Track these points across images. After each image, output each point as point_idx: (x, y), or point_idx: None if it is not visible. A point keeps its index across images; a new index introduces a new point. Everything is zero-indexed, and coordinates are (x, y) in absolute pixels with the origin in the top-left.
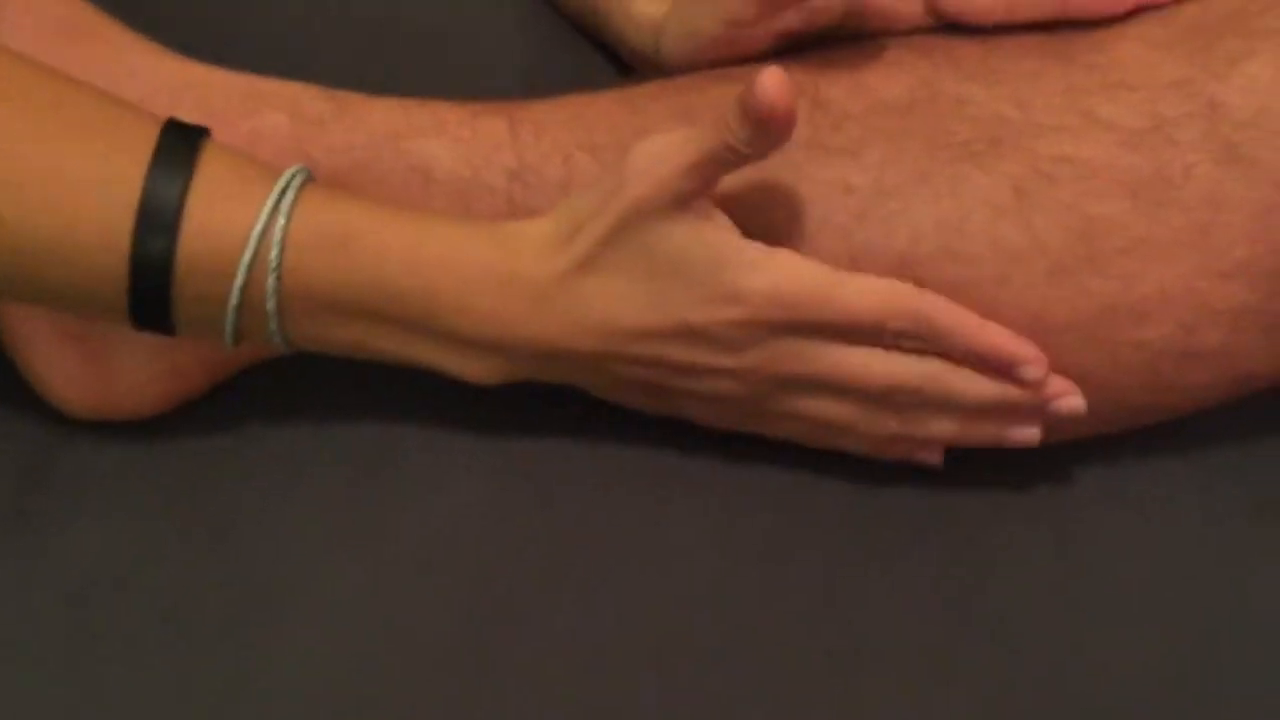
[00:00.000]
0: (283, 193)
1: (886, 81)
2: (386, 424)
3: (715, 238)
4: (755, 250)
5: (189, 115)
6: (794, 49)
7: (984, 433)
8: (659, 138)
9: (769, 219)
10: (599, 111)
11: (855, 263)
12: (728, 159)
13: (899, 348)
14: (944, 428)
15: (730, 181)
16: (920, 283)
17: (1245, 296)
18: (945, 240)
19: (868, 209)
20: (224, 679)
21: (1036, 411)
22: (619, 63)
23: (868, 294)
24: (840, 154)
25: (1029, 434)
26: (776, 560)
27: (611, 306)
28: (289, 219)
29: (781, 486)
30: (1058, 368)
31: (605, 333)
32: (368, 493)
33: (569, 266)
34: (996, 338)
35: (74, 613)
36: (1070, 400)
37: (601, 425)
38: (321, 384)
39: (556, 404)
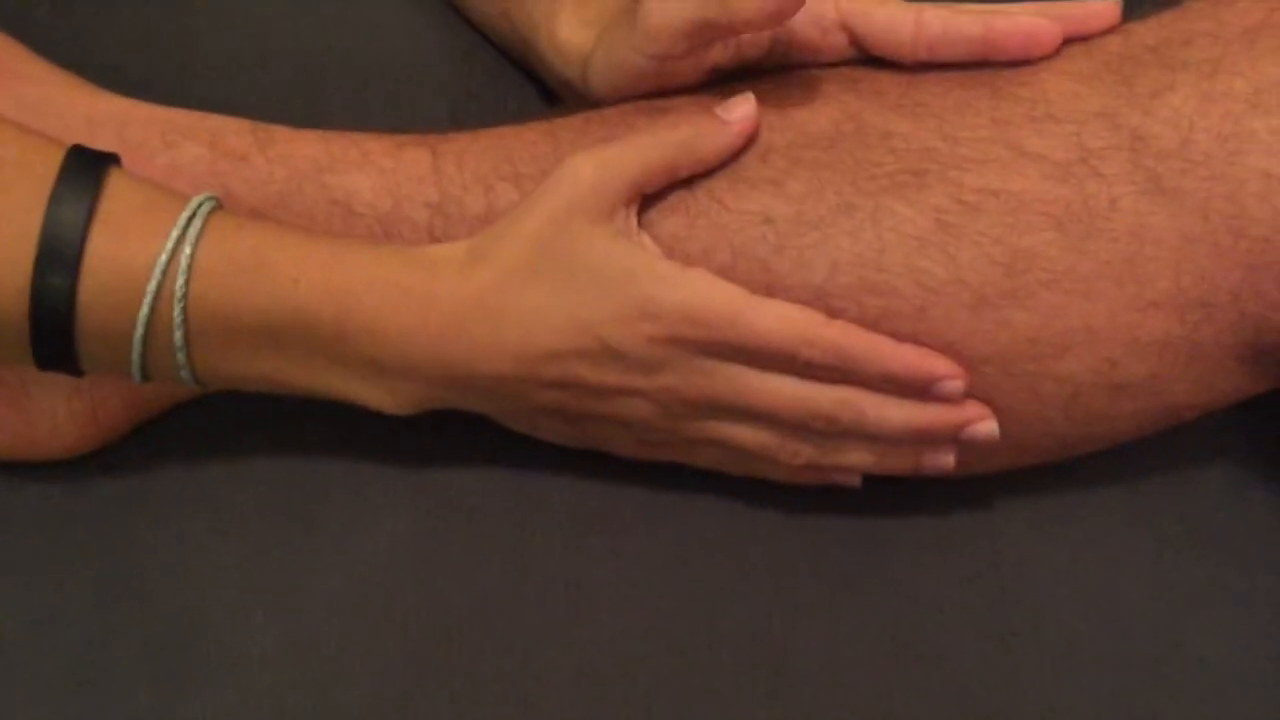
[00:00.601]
0: (190, 219)
1: (811, 114)
2: (308, 466)
3: (633, 252)
4: (670, 267)
5: (106, 148)
6: (720, 81)
7: (899, 460)
8: (593, 150)
9: (687, 248)
10: (523, 143)
11: (772, 293)
12: (663, 171)
13: (813, 376)
14: (859, 456)
15: (650, 209)
16: (837, 315)
17: (1171, 327)
18: (863, 272)
19: (786, 241)
20: None
21: (951, 437)
22: (548, 93)
23: (780, 319)
24: (763, 185)
25: (944, 460)
26: (705, 608)
27: (528, 325)
28: (195, 246)
29: (715, 524)
30: (980, 400)
31: (521, 354)
32: (289, 538)
33: (487, 282)
34: (911, 356)
35: None
36: (984, 425)
37: (531, 461)
38: (243, 425)
39: (482, 440)
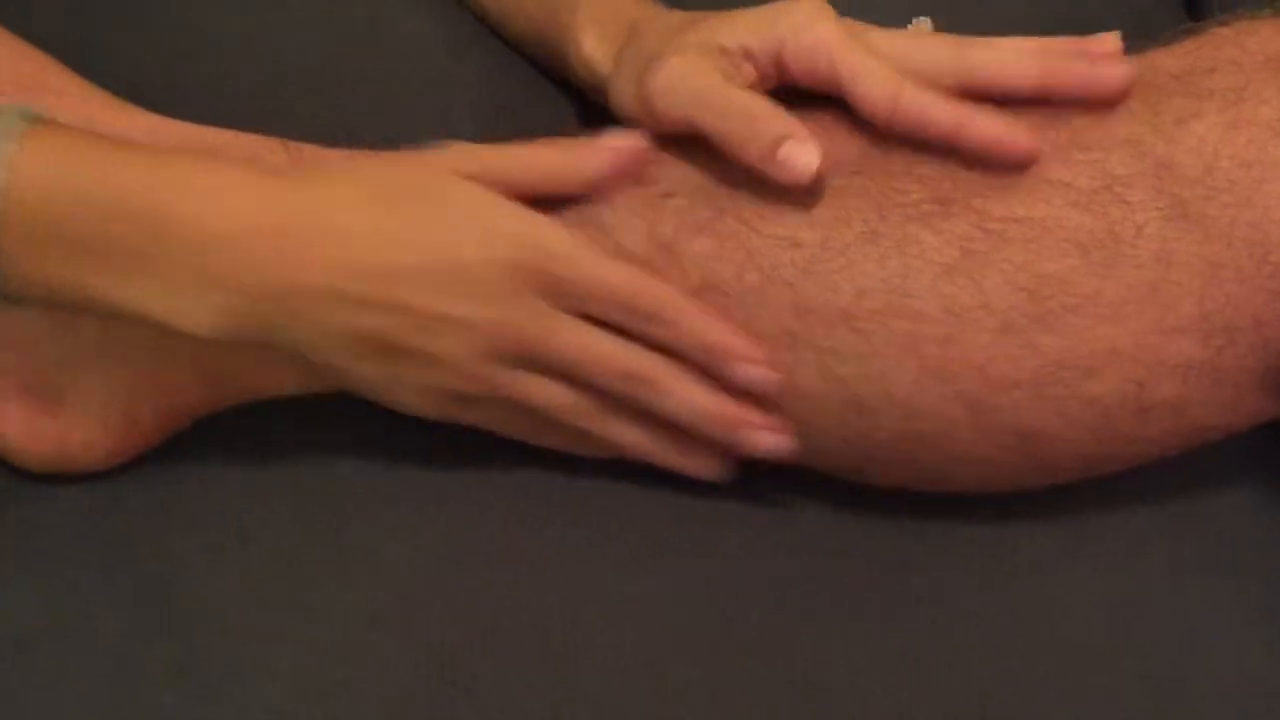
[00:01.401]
0: (12, 118)
1: (838, 142)
2: (336, 477)
3: (486, 192)
4: (520, 206)
5: None
6: None
7: (669, 450)
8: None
9: (717, 268)
10: None
11: (800, 315)
12: (529, 184)
13: (633, 336)
14: (632, 434)
15: (682, 229)
16: (865, 338)
17: (1195, 351)
18: (890, 298)
19: (813, 265)
20: None
21: (732, 435)
22: (584, 109)
23: (619, 267)
24: (790, 211)
25: (709, 466)
26: (729, 622)
27: (371, 239)
28: (18, 142)
29: (741, 538)
30: (1009, 424)
31: (356, 268)
32: (316, 548)
33: (336, 196)
34: (726, 328)
35: (17, 661)
36: (767, 437)
37: (559, 474)
38: (272, 436)
39: (509, 452)
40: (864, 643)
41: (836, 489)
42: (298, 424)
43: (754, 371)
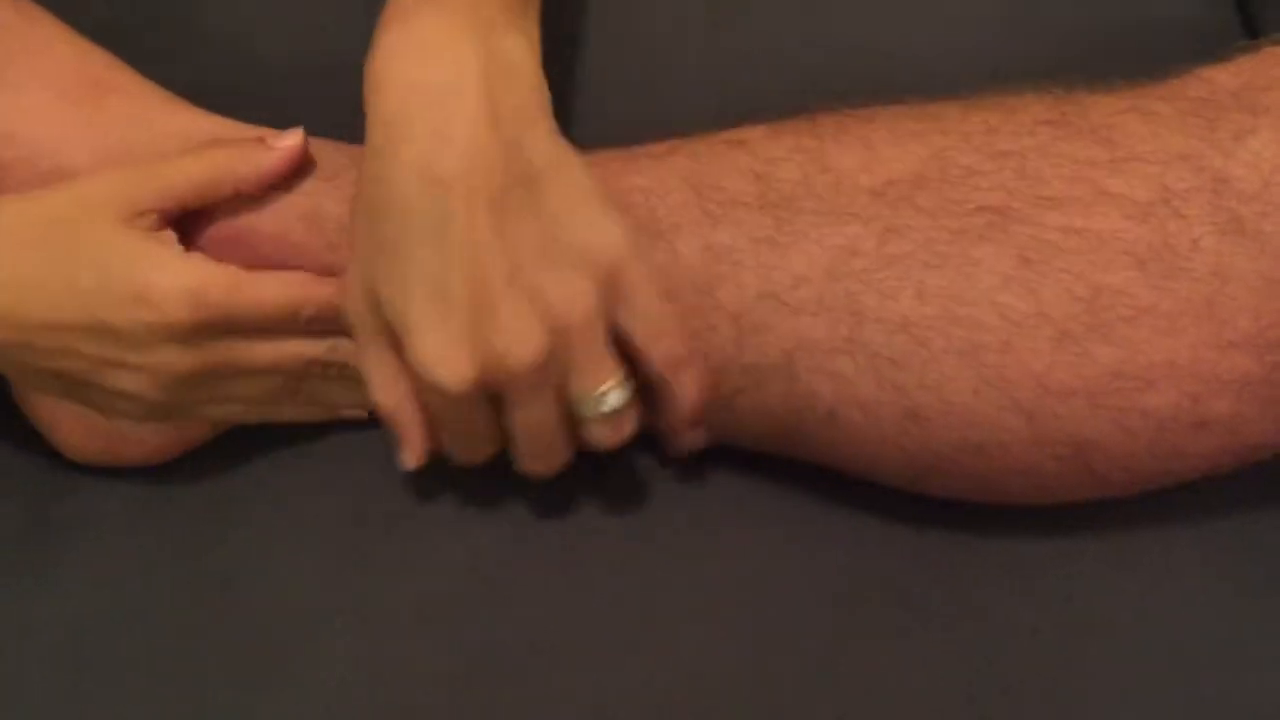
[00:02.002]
0: None
1: (898, 150)
2: (389, 478)
3: (140, 241)
4: (174, 254)
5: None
6: (798, 112)
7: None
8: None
9: (776, 276)
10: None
11: (858, 322)
12: (202, 186)
13: (309, 332)
14: (347, 392)
15: (743, 239)
16: (924, 345)
17: (1250, 367)
18: (947, 305)
19: (872, 273)
20: None
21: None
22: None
23: (279, 283)
24: (850, 220)
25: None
26: (776, 632)
27: (25, 292)
28: None
29: (787, 549)
30: (1065, 434)
31: (18, 321)
32: (368, 547)
33: None
34: None
35: (73, 652)
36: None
37: (603, 487)
38: (326, 435)
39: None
40: (916, 654)
41: (893, 499)
42: (351, 424)
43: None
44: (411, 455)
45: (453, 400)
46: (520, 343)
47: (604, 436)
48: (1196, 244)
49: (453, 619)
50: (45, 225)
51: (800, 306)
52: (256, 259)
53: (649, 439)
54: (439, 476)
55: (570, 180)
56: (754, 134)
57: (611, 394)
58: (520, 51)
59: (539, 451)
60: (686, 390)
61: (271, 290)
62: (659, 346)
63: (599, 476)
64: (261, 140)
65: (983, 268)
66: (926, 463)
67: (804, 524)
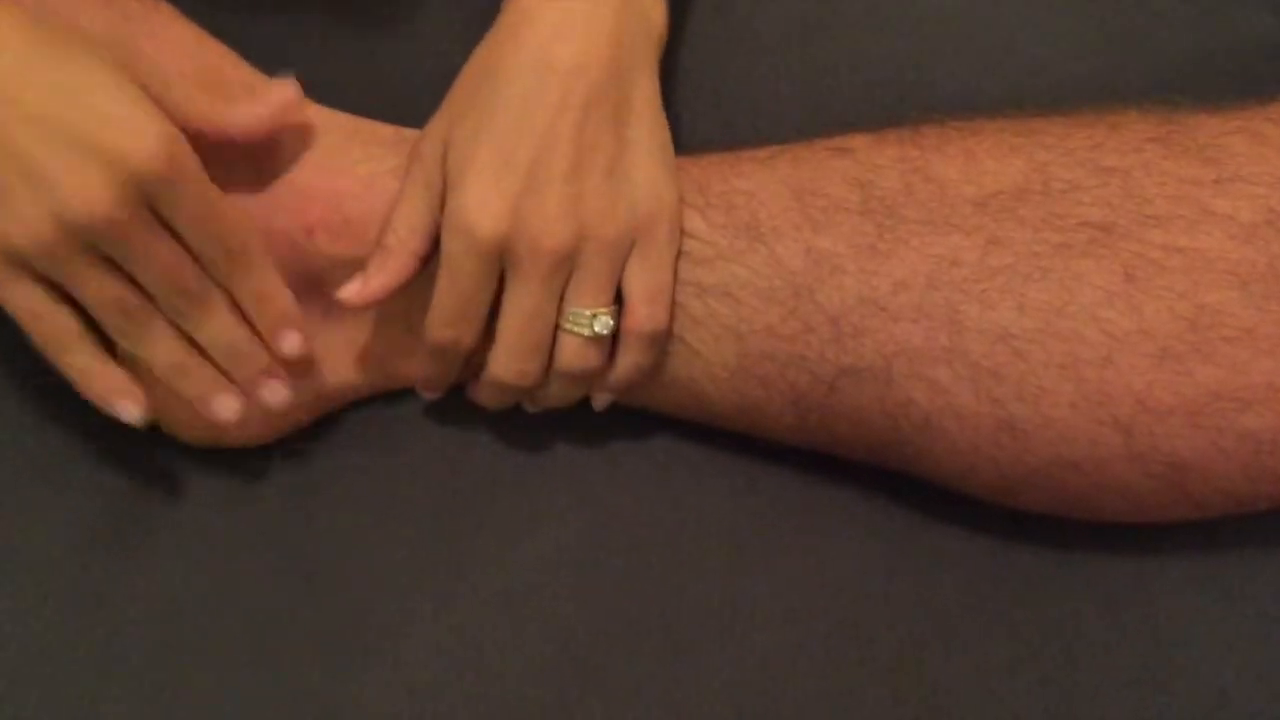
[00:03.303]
0: None
1: (1000, 163)
2: (478, 471)
3: (133, 84)
4: (156, 108)
5: (313, 154)
6: (894, 123)
7: (198, 380)
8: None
9: (876, 281)
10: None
11: (958, 332)
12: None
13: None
14: (165, 350)
15: (842, 242)
16: (1024, 358)
17: None
18: (1049, 318)
19: (973, 284)
20: (305, 705)
21: (247, 379)
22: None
23: (228, 206)
24: (952, 231)
25: (228, 407)
26: (858, 633)
27: (13, 64)
28: None
29: (866, 559)
30: (1161, 453)
31: None
32: (456, 538)
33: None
34: (286, 299)
35: (166, 631)
36: (276, 388)
37: (693, 480)
38: (419, 426)
39: (645, 456)
40: (992, 661)
41: (977, 511)
42: (444, 414)
43: (293, 339)
44: (387, 279)
45: (470, 253)
46: (553, 226)
47: (573, 358)
48: None
49: (536, 610)
50: (51, 31)
51: (899, 313)
52: (367, 245)
53: (744, 444)
54: (522, 472)
55: (653, 127)
56: (857, 142)
57: (602, 318)
58: (656, 8)
59: (518, 349)
60: (637, 358)
61: (221, 200)
62: (650, 307)
63: (685, 475)
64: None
65: (1085, 282)
66: (1019, 476)
67: (888, 532)
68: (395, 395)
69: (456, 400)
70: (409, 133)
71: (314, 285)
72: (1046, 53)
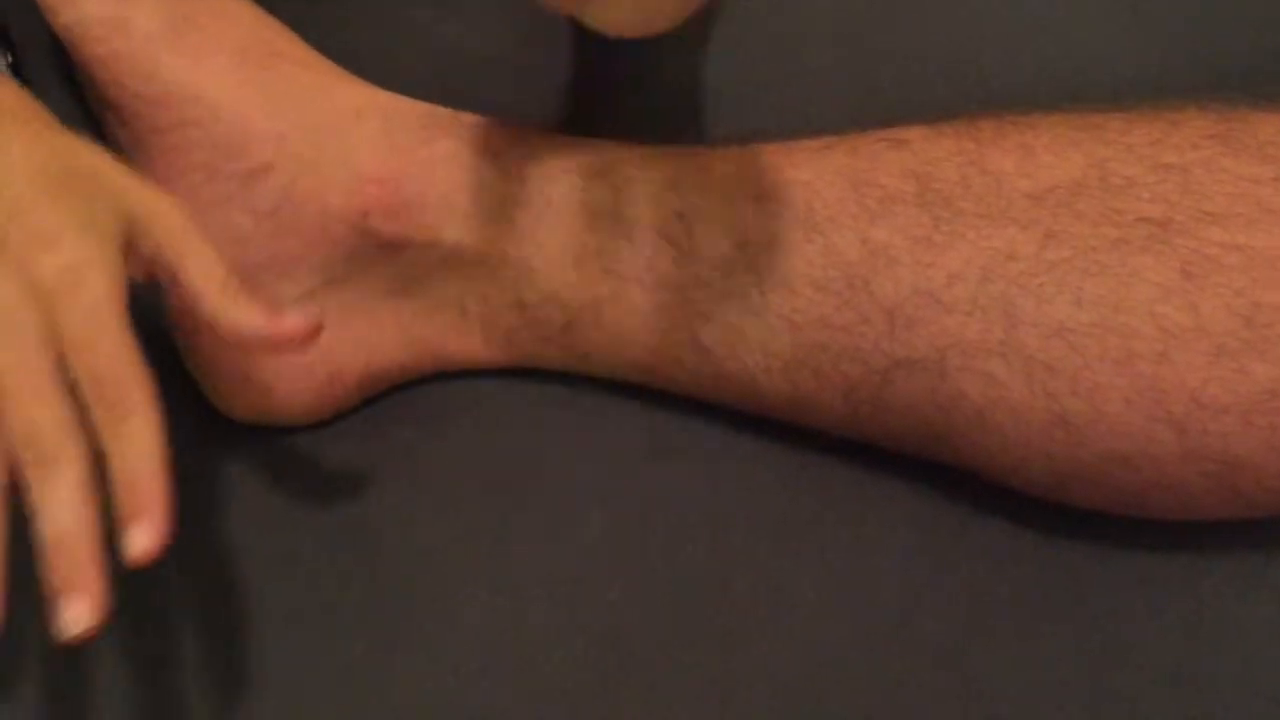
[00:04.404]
0: None
1: (1058, 158)
2: (527, 452)
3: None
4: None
5: (371, 136)
6: (948, 116)
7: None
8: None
9: (932, 274)
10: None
11: (1013, 325)
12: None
13: None
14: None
15: (896, 233)
16: (1080, 352)
17: None
18: (1104, 312)
19: (1029, 278)
20: (350, 681)
21: (59, 580)
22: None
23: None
24: (1007, 224)
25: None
26: (906, 628)
27: None
28: None
29: (912, 551)
30: (1215, 451)
31: None
32: (504, 519)
33: None
34: (159, 484)
35: (213, 605)
36: (78, 607)
37: (740, 466)
38: (469, 407)
39: (693, 443)
40: (1037, 655)
41: (1026, 505)
42: (495, 397)
43: (143, 540)
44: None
45: None
46: None
47: None
48: None
49: (582, 595)
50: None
51: (954, 305)
52: (423, 229)
53: (793, 435)
54: (571, 455)
55: None
56: (913, 134)
57: None
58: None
59: None
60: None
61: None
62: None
63: (734, 465)
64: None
65: (1142, 278)
66: (1071, 471)
67: (933, 525)
68: (446, 377)
69: (507, 384)
70: (466, 117)
71: (366, 267)
72: (1104, 48)
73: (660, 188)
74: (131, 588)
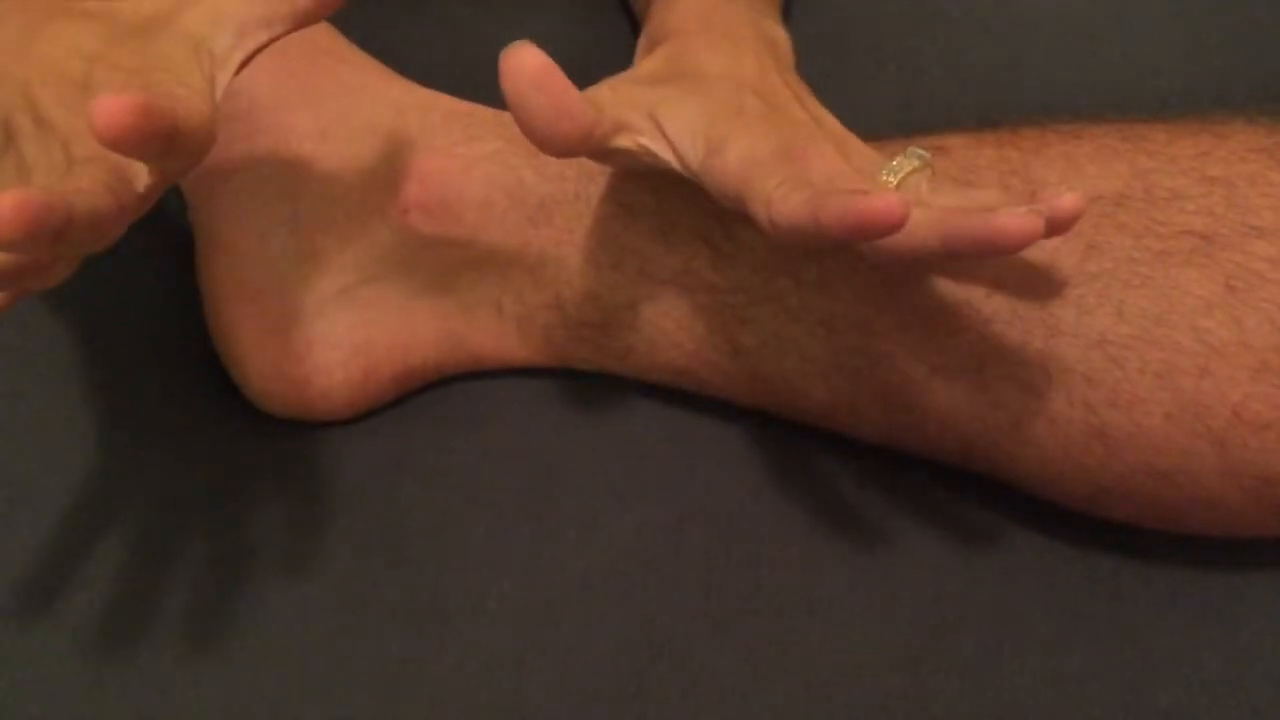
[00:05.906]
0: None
1: (1101, 169)
2: (562, 453)
3: None
4: None
5: (412, 134)
6: (991, 124)
7: None
8: None
9: (967, 289)
10: None
11: (1054, 336)
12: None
13: None
14: None
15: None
16: (1120, 364)
17: None
18: (1146, 325)
19: (1070, 288)
20: (382, 675)
21: None
22: None
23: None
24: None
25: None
26: (939, 638)
27: None
28: None
29: (947, 562)
30: (1255, 468)
31: None
32: (538, 519)
33: None
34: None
35: (247, 599)
36: None
37: (775, 472)
38: (502, 407)
39: (728, 447)
40: (1071, 668)
41: (1062, 517)
42: (529, 394)
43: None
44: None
45: None
46: None
47: None
48: None
49: (614, 593)
50: None
51: (994, 314)
52: (461, 227)
53: (830, 440)
54: (605, 457)
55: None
56: (954, 141)
57: None
58: (777, 31)
59: None
60: None
61: None
62: None
63: (768, 467)
64: None
65: (1185, 291)
66: (1108, 484)
67: (969, 535)
68: (481, 375)
69: (542, 383)
70: (507, 115)
71: (404, 264)
72: (1150, 58)
73: (698, 190)
74: (166, 584)
